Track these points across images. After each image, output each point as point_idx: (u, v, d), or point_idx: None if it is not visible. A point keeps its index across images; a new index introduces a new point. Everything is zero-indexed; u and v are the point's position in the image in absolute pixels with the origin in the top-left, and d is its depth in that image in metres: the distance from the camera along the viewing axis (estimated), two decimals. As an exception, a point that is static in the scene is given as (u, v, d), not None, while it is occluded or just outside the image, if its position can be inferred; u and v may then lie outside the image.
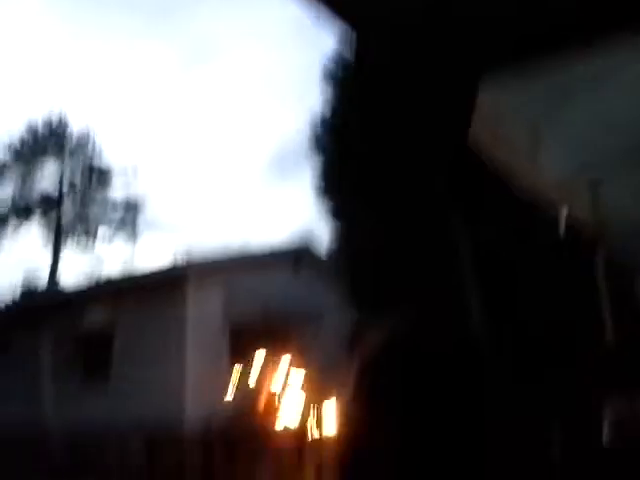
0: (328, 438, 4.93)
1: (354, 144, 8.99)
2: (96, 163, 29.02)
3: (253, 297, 11.85)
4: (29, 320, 12.58)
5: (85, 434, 10.71)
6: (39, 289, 24.12)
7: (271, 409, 6.47)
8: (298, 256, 13.83)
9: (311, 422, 5.74)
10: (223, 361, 10.84)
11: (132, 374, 10.92)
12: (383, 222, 8.38)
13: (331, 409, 5.09)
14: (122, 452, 10.03)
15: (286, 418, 6.19)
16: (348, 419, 0.98)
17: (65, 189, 28.80)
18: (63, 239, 28.94)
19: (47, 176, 28.44)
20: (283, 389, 6.47)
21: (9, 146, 27.53)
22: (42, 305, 13.28)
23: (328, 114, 10.51)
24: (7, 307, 15.21)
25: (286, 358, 6.80)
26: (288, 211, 37.88)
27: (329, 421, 5.18)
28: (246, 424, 6.39)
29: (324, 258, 14.10)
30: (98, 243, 30.69)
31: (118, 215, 29.28)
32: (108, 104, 30.29)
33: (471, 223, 5.71)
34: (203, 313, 11.35)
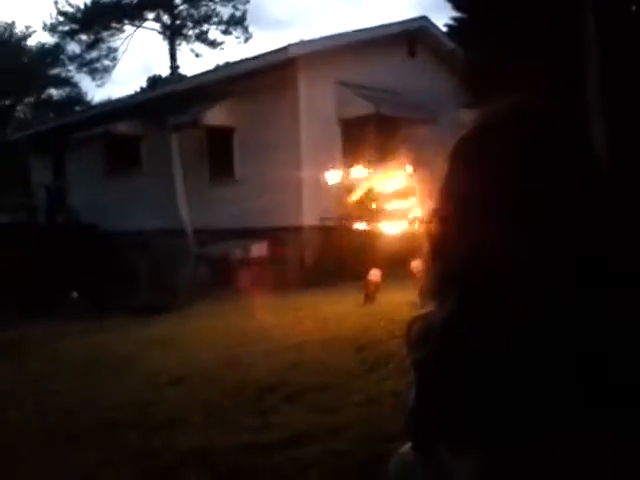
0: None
1: None
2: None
3: (365, 83, 11.51)
4: (157, 111, 13.12)
5: (212, 231, 11.62)
6: (161, 84, 24.84)
7: (377, 211, 6.68)
8: (413, 37, 13.00)
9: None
10: (336, 155, 10.96)
11: (252, 170, 11.41)
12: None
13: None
14: (245, 247, 10.89)
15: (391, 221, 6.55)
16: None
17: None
18: (178, 38, 29.28)
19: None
20: (389, 193, 6.57)
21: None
22: (167, 95, 13.71)
23: None
24: (133, 101, 15.90)
25: (398, 160, 6.82)
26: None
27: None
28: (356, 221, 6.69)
29: (442, 40, 13.22)
30: (211, 41, 30.89)
31: (228, 11, 28.94)
32: None
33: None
34: (315, 103, 11.28)
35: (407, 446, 1.20)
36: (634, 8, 9.11)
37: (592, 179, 0.95)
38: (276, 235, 10.46)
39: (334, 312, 6.38)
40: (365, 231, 6.72)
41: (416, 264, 6.13)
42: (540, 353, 0.87)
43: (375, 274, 6.72)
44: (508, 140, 0.95)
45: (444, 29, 13.48)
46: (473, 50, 11.34)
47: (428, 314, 0.99)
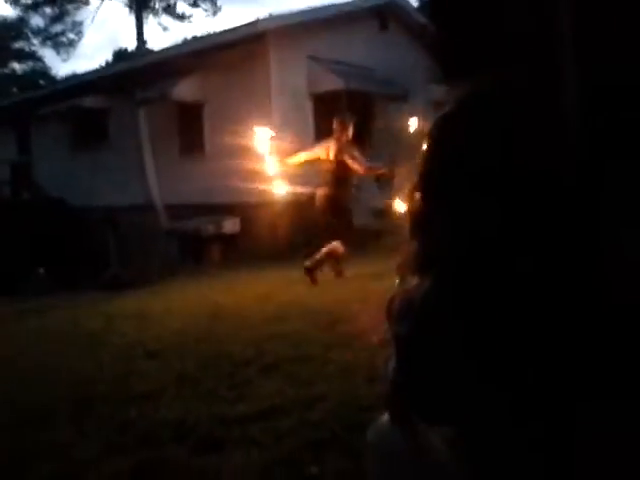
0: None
1: None
2: None
3: (337, 58, 11.43)
4: (124, 85, 12.85)
5: (183, 206, 11.48)
6: (128, 58, 24.31)
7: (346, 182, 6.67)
8: (384, 11, 12.92)
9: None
10: (308, 130, 10.90)
11: (223, 145, 11.27)
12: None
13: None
14: (217, 223, 10.79)
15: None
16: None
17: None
18: (145, 11, 28.59)
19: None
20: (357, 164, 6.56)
21: None
22: (134, 69, 13.43)
23: None
24: (100, 75, 15.54)
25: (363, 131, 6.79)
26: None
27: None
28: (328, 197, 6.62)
29: (413, 15, 13.17)
30: (179, 14, 30.26)
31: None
32: None
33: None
34: (286, 78, 11.17)
35: (385, 416, 1.21)
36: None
37: (577, 151, 0.95)
38: (248, 210, 10.39)
39: (308, 286, 6.39)
40: (331, 201, 6.66)
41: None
42: (521, 333, 0.88)
43: (336, 247, 6.64)
44: (493, 117, 0.94)
45: (415, 4, 13.42)
46: (445, 26, 11.31)
47: (409, 289, 0.99)
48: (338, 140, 6.58)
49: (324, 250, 6.56)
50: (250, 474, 2.39)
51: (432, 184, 0.98)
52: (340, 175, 6.55)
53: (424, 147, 1.01)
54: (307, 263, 6.50)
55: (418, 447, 1.13)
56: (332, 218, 6.62)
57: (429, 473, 1.09)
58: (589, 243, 0.88)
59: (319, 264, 6.55)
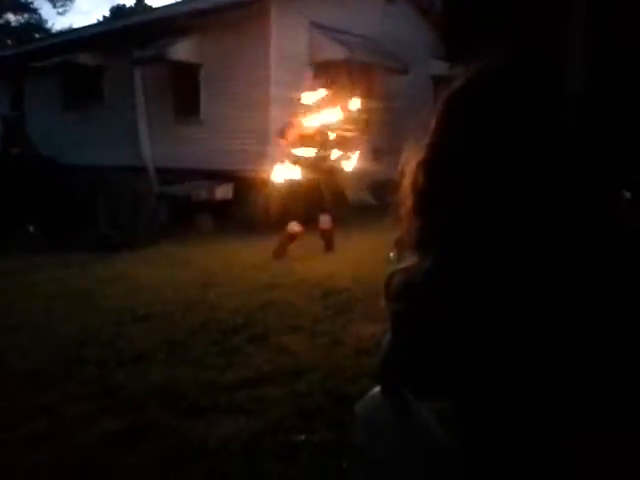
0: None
1: None
2: None
3: (340, 27, 11.26)
4: (120, 43, 12.62)
5: (176, 171, 11.39)
6: (126, 14, 23.81)
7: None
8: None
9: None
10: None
11: (219, 110, 11.14)
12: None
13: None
14: (210, 188, 10.72)
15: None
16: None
17: None
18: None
19: None
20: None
21: None
22: (131, 26, 13.19)
23: None
24: (96, 31, 15.24)
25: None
26: None
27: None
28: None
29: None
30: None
31: None
32: None
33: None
34: (287, 44, 11.00)
35: (374, 390, 1.22)
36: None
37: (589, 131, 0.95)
38: (242, 177, 10.32)
39: (300, 257, 6.40)
40: (328, 171, 6.63)
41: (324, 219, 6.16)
42: (522, 314, 0.88)
43: (324, 221, 6.61)
44: (504, 96, 0.93)
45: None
46: (452, 2, 11.17)
47: (408, 267, 0.98)
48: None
49: (284, 234, 6.55)
50: (237, 441, 2.42)
51: (443, 161, 0.97)
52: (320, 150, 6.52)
53: (435, 122, 0.99)
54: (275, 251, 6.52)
55: (408, 421, 1.14)
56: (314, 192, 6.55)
57: (418, 447, 1.10)
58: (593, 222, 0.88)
59: (282, 248, 6.53)
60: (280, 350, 3.46)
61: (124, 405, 2.81)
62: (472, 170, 0.92)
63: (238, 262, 6.36)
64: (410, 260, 0.99)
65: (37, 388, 3.09)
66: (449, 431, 1.04)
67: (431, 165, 0.98)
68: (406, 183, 1.02)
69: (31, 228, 10.64)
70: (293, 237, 6.57)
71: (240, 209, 10.17)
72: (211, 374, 3.14)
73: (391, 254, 1.09)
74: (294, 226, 6.52)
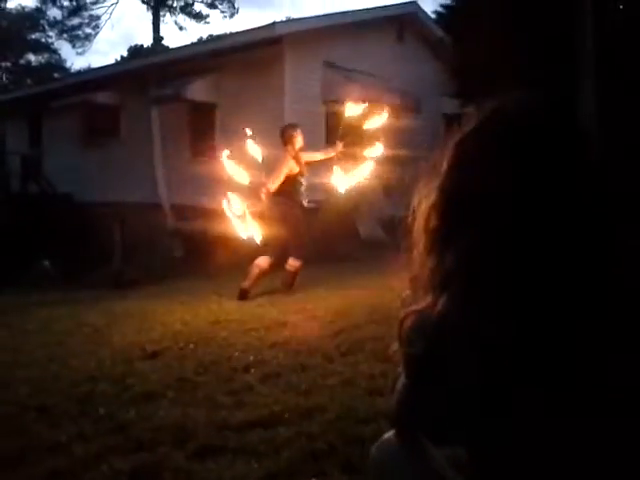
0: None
1: None
2: None
3: (352, 66, 11.44)
4: (138, 82, 12.88)
5: (191, 208, 11.47)
6: (144, 54, 24.42)
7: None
8: (402, 22, 12.94)
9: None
10: (320, 137, 10.89)
11: (234, 148, 11.25)
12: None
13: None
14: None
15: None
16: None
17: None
18: (162, 9, 28.79)
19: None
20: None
21: None
22: (149, 66, 13.47)
23: None
24: (114, 70, 15.59)
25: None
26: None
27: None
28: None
29: (431, 27, 13.18)
30: (196, 13, 30.42)
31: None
32: None
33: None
34: (301, 83, 11.18)
35: (389, 433, 1.21)
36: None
37: (598, 184, 0.95)
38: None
39: (313, 294, 6.38)
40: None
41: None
42: (536, 357, 0.87)
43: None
44: (517, 139, 0.94)
45: (433, 16, 13.45)
46: (461, 40, 11.34)
47: (422, 309, 0.98)
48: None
49: (253, 270, 6.41)
50: (247, 483, 2.38)
51: (456, 203, 0.97)
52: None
53: (447, 164, 1.00)
54: (244, 284, 6.40)
55: (423, 466, 1.13)
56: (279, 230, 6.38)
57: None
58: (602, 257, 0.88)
59: (252, 284, 6.42)
60: (291, 389, 3.43)
61: (134, 444, 2.79)
62: (485, 214, 0.93)
63: (250, 298, 6.36)
64: (424, 301, 0.99)
65: (49, 425, 3.09)
66: (464, 477, 1.03)
67: (444, 207, 0.98)
68: (419, 223, 1.02)
69: (46, 263, 10.75)
70: (264, 271, 6.43)
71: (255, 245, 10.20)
72: (222, 413, 3.12)
73: (405, 293, 1.09)
74: (262, 261, 6.39)
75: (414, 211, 1.04)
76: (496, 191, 0.92)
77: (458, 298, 0.93)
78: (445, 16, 13.13)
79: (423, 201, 1.02)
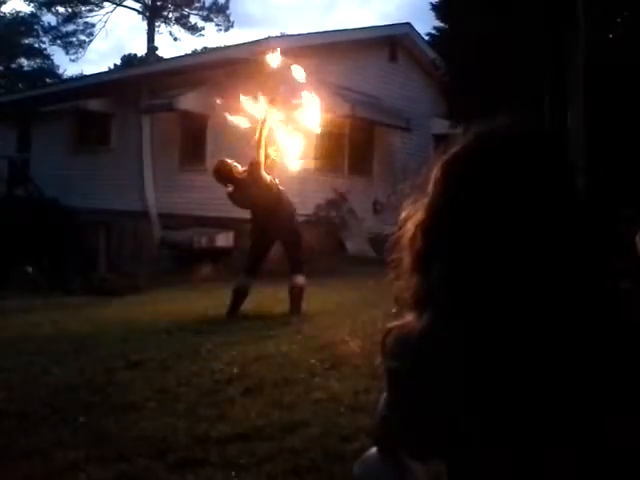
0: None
1: None
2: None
3: (344, 84, 11.52)
4: (130, 91, 12.87)
5: (179, 217, 11.44)
6: (137, 63, 24.45)
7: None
8: (395, 42, 13.08)
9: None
10: (309, 153, 10.91)
11: (224, 157, 11.28)
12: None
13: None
14: (210, 236, 10.76)
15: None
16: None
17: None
18: (157, 20, 28.93)
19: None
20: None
21: None
22: (142, 75, 13.49)
23: None
24: (107, 78, 15.59)
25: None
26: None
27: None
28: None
29: (424, 49, 13.33)
30: (191, 25, 30.60)
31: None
32: None
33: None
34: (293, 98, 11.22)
35: (372, 450, 1.20)
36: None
37: (578, 208, 0.97)
38: (243, 225, 10.38)
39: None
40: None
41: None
42: (520, 377, 0.88)
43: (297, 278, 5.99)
44: (499, 166, 0.96)
45: (426, 38, 13.59)
46: (453, 62, 11.47)
47: (404, 324, 0.99)
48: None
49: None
50: (227, 497, 2.36)
51: (439, 225, 0.99)
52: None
53: (432, 185, 1.01)
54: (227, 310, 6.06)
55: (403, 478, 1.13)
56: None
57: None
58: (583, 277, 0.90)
59: (234, 308, 6.05)
60: (274, 403, 3.41)
61: (113, 454, 2.76)
62: (467, 235, 0.94)
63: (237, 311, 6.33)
64: (407, 317, 0.99)
65: (27, 431, 3.04)
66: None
67: (428, 227, 0.99)
68: (404, 242, 1.03)
69: (29, 269, 10.64)
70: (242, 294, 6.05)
71: (241, 255, 10.19)
72: (203, 426, 3.09)
73: (393, 310, 1.10)
74: (243, 280, 6.07)
75: (400, 229, 1.06)
76: (479, 213, 0.93)
77: (440, 316, 0.94)
78: (438, 38, 13.28)
79: (409, 219, 1.04)
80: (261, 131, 5.97)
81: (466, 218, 0.95)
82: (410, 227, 1.03)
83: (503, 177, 0.95)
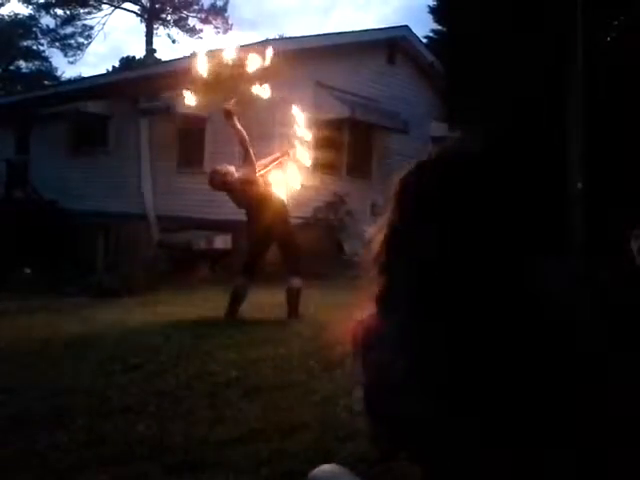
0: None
1: None
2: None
3: (342, 87, 11.53)
4: (128, 93, 12.87)
5: (177, 219, 11.45)
6: (135, 65, 24.44)
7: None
8: (394, 45, 13.09)
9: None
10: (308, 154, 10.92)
11: (223, 159, 11.29)
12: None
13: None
14: (209, 238, 10.75)
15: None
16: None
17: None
18: (156, 22, 28.96)
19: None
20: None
21: None
22: (140, 77, 13.49)
23: None
24: (105, 80, 15.59)
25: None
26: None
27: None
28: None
29: (422, 51, 13.35)
30: (190, 28, 30.62)
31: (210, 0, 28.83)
32: None
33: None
34: (293, 101, 11.23)
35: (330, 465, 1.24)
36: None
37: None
38: (242, 228, 10.38)
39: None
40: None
41: None
42: (488, 378, 0.89)
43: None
44: (449, 184, 0.99)
45: (424, 41, 13.63)
46: (451, 64, 11.50)
47: (370, 322, 1.03)
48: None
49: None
50: (225, 500, 2.35)
51: (393, 233, 1.04)
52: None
53: (393, 199, 1.06)
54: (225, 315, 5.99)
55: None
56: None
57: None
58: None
59: (233, 310, 6.00)
60: (273, 406, 3.40)
61: (111, 457, 2.75)
62: (419, 250, 0.98)
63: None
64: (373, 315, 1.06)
65: (23, 434, 3.03)
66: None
67: (386, 234, 1.05)
68: (374, 249, 1.08)
69: (28, 270, 10.62)
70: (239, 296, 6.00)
71: (239, 258, 10.18)
72: (201, 429, 3.08)
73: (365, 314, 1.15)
74: (241, 282, 6.02)
75: (370, 240, 1.10)
76: (429, 232, 0.98)
77: (394, 315, 1.00)
78: (436, 41, 13.31)
79: (378, 232, 1.08)
80: (274, 161, 6.13)
81: (417, 234, 0.99)
82: (377, 240, 1.08)
83: (447, 196, 0.99)
